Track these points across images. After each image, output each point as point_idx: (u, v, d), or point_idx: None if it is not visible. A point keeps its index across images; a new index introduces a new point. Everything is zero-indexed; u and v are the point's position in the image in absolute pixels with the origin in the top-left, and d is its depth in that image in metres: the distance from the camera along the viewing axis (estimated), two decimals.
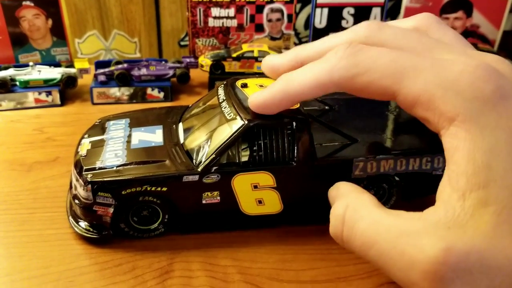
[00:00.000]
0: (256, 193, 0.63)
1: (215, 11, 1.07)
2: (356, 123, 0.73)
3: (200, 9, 1.06)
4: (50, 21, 1.02)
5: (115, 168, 0.62)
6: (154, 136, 0.68)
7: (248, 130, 0.61)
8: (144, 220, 0.63)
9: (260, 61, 1.03)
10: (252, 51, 1.05)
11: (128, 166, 0.62)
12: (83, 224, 0.63)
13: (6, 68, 0.98)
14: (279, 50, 1.07)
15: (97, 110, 0.97)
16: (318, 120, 0.67)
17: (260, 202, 0.64)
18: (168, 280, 0.58)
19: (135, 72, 1.00)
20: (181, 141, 0.67)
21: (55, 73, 0.98)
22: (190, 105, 0.75)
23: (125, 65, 1.01)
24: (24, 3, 0.99)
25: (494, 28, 1.13)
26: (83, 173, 0.62)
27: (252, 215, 0.65)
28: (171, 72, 1.03)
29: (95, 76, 1.00)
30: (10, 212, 0.68)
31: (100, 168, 0.62)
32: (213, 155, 0.61)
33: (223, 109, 0.65)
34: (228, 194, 0.63)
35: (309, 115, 0.64)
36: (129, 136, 0.68)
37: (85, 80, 1.02)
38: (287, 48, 1.11)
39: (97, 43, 1.26)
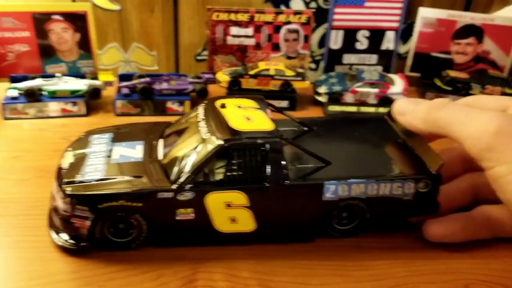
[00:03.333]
0: (229, 211, 0.65)
1: (234, 30, 1.11)
2: (331, 145, 0.75)
3: (220, 28, 1.10)
4: (77, 35, 1.06)
5: (93, 182, 0.64)
6: (134, 151, 0.70)
7: (223, 150, 0.63)
8: (121, 233, 0.65)
9: (276, 79, 1.08)
10: (268, 69, 1.08)
11: (107, 181, 0.64)
12: (62, 234, 0.65)
13: (34, 78, 1.02)
14: (294, 69, 1.10)
15: (119, 121, 1.00)
16: (292, 142, 0.68)
17: (233, 220, 0.66)
18: None
19: (157, 86, 1.04)
20: (160, 157, 0.69)
21: (81, 84, 1.02)
22: (172, 122, 0.77)
23: (148, 79, 1.05)
24: (53, 16, 1.03)
25: (504, 54, 1.16)
26: (63, 185, 0.64)
27: (226, 232, 0.67)
28: (190, 87, 1.06)
29: (119, 88, 1.04)
30: (38, 217, 0.71)
31: (80, 182, 0.64)
32: (188, 173, 0.63)
33: (200, 128, 0.67)
34: (202, 211, 0.64)
35: (283, 137, 0.66)
36: (111, 150, 0.70)
37: (108, 92, 1.05)
38: (302, 67, 1.14)
39: (117, 55, 1.29)
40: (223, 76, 1.09)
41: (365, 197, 0.67)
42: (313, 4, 1.24)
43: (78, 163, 0.68)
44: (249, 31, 1.11)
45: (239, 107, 0.70)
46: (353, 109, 1.07)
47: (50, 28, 1.04)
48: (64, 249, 0.65)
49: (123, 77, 1.07)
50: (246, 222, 0.66)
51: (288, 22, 1.10)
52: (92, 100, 1.03)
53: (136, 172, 0.66)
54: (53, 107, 1.00)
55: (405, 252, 0.69)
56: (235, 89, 1.08)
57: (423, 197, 0.68)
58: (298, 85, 1.09)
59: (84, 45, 1.07)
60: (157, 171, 0.66)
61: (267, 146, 0.64)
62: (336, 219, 0.69)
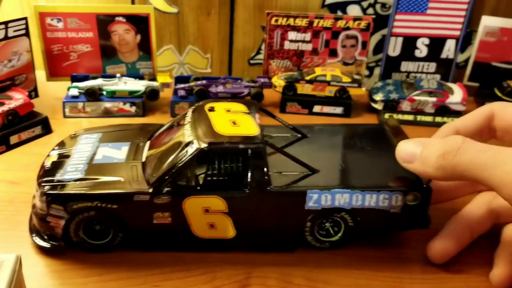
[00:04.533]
0: (208, 217, 0.64)
1: (292, 35, 1.11)
2: (323, 153, 0.73)
3: (278, 32, 1.10)
4: (138, 37, 1.08)
5: (72, 182, 0.64)
6: (118, 152, 0.70)
7: (202, 154, 0.62)
8: (98, 234, 0.65)
9: (332, 85, 1.07)
10: (325, 75, 1.08)
11: (85, 181, 0.64)
12: (39, 233, 0.66)
13: (95, 78, 1.05)
14: (351, 75, 1.09)
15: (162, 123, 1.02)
16: (277, 148, 0.66)
17: (212, 226, 0.64)
18: None
19: (213, 89, 1.05)
20: (143, 159, 0.68)
21: (139, 85, 1.04)
22: (163, 124, 0.76)
23: (204, 81, 1.06)
24: (117, 18, 1.06)
25: None
26: (42, 184, 0.64)
27: (205, 238, 0.65)
28: (246, 91, 1.07)
29: (175, 90, 1.06)
30: None
31: (58, 181, 0.64)
32: (165, 176, 0.62)
33: (185, 131, 0.66)
34: (179, 216, 0.63)
35: (268, 142, 0.64)
36: (96, 151, 0.70)
37: (165, 93, 1.07)
38: (359, 73, 1.13)
39: (172, 57, 1.31)
40: (278, 81, 1.09)
41: (350, 207, 0.64)
42: (370, 11, 1.23)
43: (61, 163, 0.68)
44: (307, 36, 1.10)
45: (228, 111, 0.69)
46: (409, 117, 1.05)
47: (112, 29, 1.07)
48: (40, 248, 0.65)
49: (180, 79, 1.09)
50: (225, 229, 0.65)
51: (347, 28, 1.09)
52: (149, 101, 1.05)
53: (116, 174, 0.65)
54: (111, 106, 1.02)
55: (463, 267, 0.67)
56: (290, 94, 1.08)
57: (412, 211, 0.65)
58: (354, 91, 1.08)
59: (144, 47, 1.09)
60: (137, 173, 0.65)
61: (249, 151, 0.62)
62: (320, 229, 0.67)
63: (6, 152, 0.88)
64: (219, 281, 0.62)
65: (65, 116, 1.02)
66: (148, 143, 0.72)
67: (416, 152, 0.59)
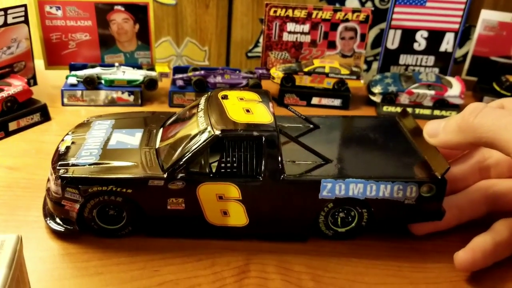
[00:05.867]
0: (221, 204, 0.64)
1: (290, 26, 1.10)
2: (336, 144, 0.73)
3: (276, 23, 1.10)
4: (137, 26, 1.08)
5: (86, 166, 0.64)
6: (132, 138, 0.70)
7: (217, 141, 0.62)
8: (112, 219, 0.65)
9: (331, 77, 1.07)
10: (324, 67, 1.08)
11: (99, 166, 0.64)
12: (53, 217, 0.66)
13: (93, 67, 1.04)
14: (349, 68, 1.09)
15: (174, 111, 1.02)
16: (290, 137, 0.66)
17: (225, 213, 0.65)
18: (245, 279, 0.61)
19: (211, 79, 1.05)
20: (157, 146, 0.68)
21: (138, 75, 1.04)
22: (176, 112, 0.76)
23: (202, 72, 1.06)
24: (115, 7, 1.06)
25: None
26: (57, 168, 0.64)
27: (218, 225, 0.65)
28: (244, 82, 1.07)
29: (174, 80, 1.05)
30: None
31: (73, 165, 0.64)
32: (180, 162, 0.62)
33: (198, 118, 0.66)
34: (193, 202, 0.63)
35: (282, 131, 0.64)
36: (109, 136, 0.70)
37: (163, 83, 1.07)
38: (357, 66, 1.13)
39: (170, 49, 1.30)
40: (276, 72, 1.08)
41: (364, 198, 0.64)
42: (369, 4, 1.23)
43: (75, 147, 0.68)
44: (306, 27, 1.10)
45: (241, 99, 0.69)
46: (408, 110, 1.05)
47: (111, 18, 1.07)
48: (54, 232, 0.65)
49: (178, 70, 1.08)
50: (238, 216, 0.65)
51: (346, 20, 1.09)
52: (147, 91, 1.05)
53: (130, 159, 0.65)
54: (110, 95, 1.02)
55: None
56: (288, 85, 1.08)
57: (427, 202, 0.65)
58: (352, 84, 1.08)
59: (143, 37, 1.09)
60: (151, 159, 0.65)
61: (263, 139, 0.62)
62: (333, 219, 0.67)
63: (5, 138, 0.88)
64: (218, 267, 0.62)
65: (63, 104, 1.01)
66: (161, 130, 0.72)
67: (440, 125, 0.62)
